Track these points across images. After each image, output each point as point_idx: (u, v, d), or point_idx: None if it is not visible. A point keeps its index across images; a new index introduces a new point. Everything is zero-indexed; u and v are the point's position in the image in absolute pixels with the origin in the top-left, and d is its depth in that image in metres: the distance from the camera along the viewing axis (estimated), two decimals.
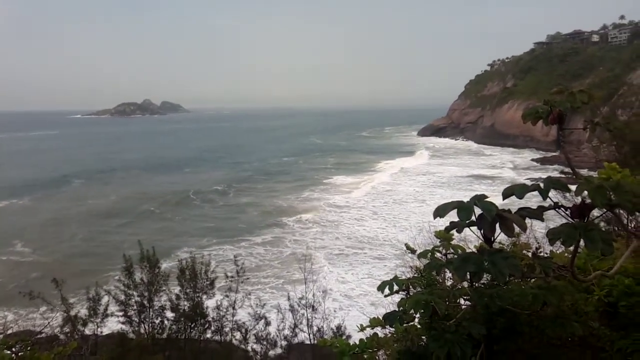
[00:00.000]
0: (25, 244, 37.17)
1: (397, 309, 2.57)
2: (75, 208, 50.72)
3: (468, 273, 1.94)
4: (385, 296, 3.04)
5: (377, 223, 42.84)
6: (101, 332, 12.59)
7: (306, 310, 13.06)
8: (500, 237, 1.95)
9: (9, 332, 11.31)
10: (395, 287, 2.99)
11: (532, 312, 2.23)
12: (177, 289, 14.35)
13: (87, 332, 12.24)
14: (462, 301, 2.56)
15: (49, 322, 11.03)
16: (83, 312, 12.51)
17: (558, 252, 3.17)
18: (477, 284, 2.24)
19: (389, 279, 3.07)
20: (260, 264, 32.71)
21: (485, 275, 2.06)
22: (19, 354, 5.97)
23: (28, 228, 42.00)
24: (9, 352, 5.97)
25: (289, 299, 13.55)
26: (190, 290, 13.96)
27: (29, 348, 6.35)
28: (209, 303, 14.05)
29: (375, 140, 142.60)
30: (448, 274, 3.52)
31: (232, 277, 14.24)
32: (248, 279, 15.68)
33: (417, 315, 2.50)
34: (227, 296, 13.98)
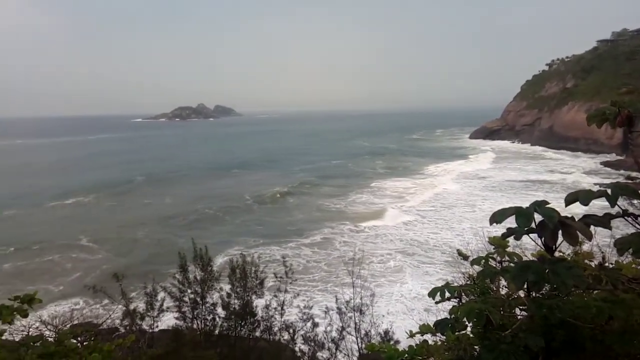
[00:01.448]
0: (90, 239, 39.59)
1: (448, 316, 2.51)
2: (138, 208, 53.49)
3: (525, 282, 1.85)
4: (436, 303, 2.97)
5: (428, 227, 41.97)
6: (157, 327, 13.15)
7: (354, 314, 12.99)
8: (561, 245, 1.85)
9: (75, 322, 12.11)
10: (447, 294, 2.92)
11: (595, 326, 2.10)
12: (228, 287, 14.74)
13: (144, 326, 12.83)
14: (518, 311, 2.46)
15: (110, 315, 11.71)
16: (141, 306, 13.12)
17: (624, 262, 2.96)
18: (534, 294, 2.14)
19: (440, 285, 3.00)
20: (308, 265, 32.95)
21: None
22: (84, 343, 6.37)
23: (93, 225, 44.74)
24: (74, 340, 6.38)
25: (336, 301, 13.53)
26: (240, 289, 14.30)
27: (92, 338, 6.76)
28: (259, 302, 14.32)
29: (426, 143, 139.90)
30: (503, 283, 3.39)
31: (280, 277, 14.43)
32: (296, 280, 15.83)
33: (470, 324, 2.42)
34: (275, 296, 14.19)
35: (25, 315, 6.77)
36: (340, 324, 13.19)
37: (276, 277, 14.49)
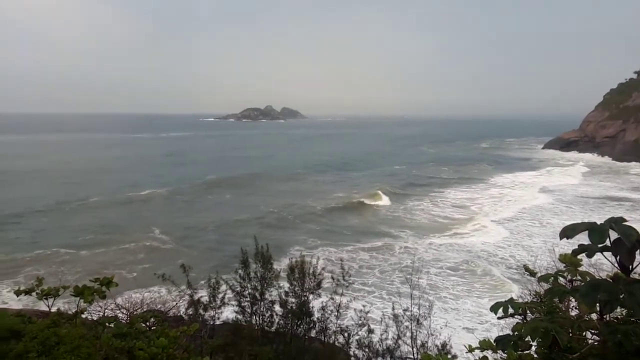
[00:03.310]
0: (162, 230, 42.07)
1: (511, 333, 2.41)
2: (214, 205, 56.10)
3: (598, 303, 1.75)
4: (499, 318, 2.87)
5: (493, 239, 40.18)
6: (218, 319, 13.70)
7: (410, 323, 12.74)
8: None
9: (145, 307, 12.94)
10: (511, 310, 2.80)
11: None
12: (286, 286, 15.04)
13: (207, 317, 13.42)
14: (588, 335, 2.32)
15: (176, 304, 12.39)
16: (205, 298, 13.74)
17: None
18: (608, 317, 2.00)
19: (503, 300, 2.89)
20: (366, 271, 32.74)
21: (619, 309, 1.84)
22: (152, 327, 6.80)
23: (166, 217, 47.52)
24: (144, 324, 6.83)
25: (393, 308, 13.34)
26: (298, 289, 14.53)
27: (160, 324, 7.19)
28: (315, 303, 14.46)
29: (494, 152, 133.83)
30: (573, 304, 3.19)
31: (338, 280, 14.49)
32: (353, 283, 15.82)
33: (534, 344, 2.31)
34: (332, 298, 14.26)
35: (104, 297, 7.36)
36: (397, 332, 12.99)
37: (334, 279, 14.56)
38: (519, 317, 2.89)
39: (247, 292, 14.60)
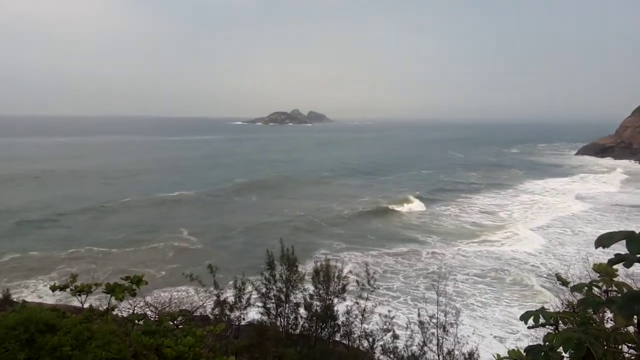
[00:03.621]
0: (190, 231, 42.87)
1: (542, 344, 2.35)
2: (239, 208, 56.90)
3: (636, 316, 1.68)
4: (529, 328, 2.80)
5: (523, 246, 39.16)
6: (243, 319, 13.85)
7: (437, 330, 12.54)
8: None
9: (172, 306, 13.19)
10: (542, 320, 2.73)
11: None
12: (311, 289, 15.07)
13: (232, 317, 13.58)
14: (625, 348, 2.23)
15: (203, 303, 12.59)
16: (230, 298, 13.91)
17: None
18: None
19: (534, 309, 2.81)
20: (390, 276, 32.45)
21: None
22: (179, 326, 6.91)
23: (194, 218, 48.40)
24: (172, 323, 6.95)
25: (418, 315, 13.16)
26: (323, 292, 14.54)
27: (187, 323, 7.31)
28: (340, 307, 14.43)
29: (525, 157, 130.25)
30: (608, 315, 3.07)
31: (363, 285, 14.42)
32: (378, 288, 15.71)
33: (566, 355, 2.24)
34: (357, 303, 14.20)
35: (134, 295, 7.54)
36: (422, 339, 12.81)
37: (359, 284, 14.50)
38: (551, 327, 2.80)
39: (272, 293, 14.71)
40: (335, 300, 14.44)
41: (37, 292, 27.74)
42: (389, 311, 14.33)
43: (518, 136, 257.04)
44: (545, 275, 31.91)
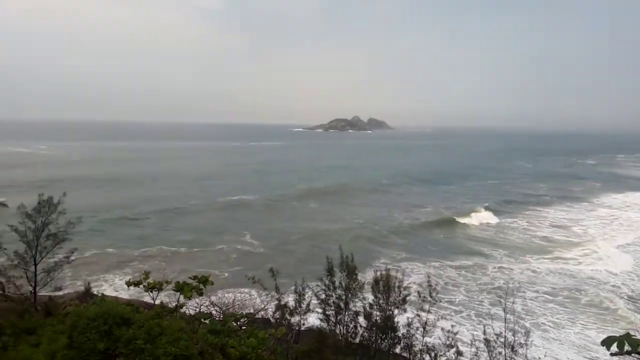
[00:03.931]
0: (252, 235, 44.11)
1: None
2: (299, 214, 57.87)
3: None
4: (612, 354, 2.58)
5: (603, 265, 36.31)
6: (303, 325, 13.96)
7: (504, 349, 11.88)
8: None
9: (235, 307, 13.59)
10: (627, 347, 2.51)
11: None
12: (370, 298, 14.90)
13: (292, 321, 13.74)
14: None
15: (264, 306, 12.86)
16: (291, 303, 14.09)
17: None
18: None
19: (618, 335, 2.59)
20: (452, 289, 31.34)
21: None
22: (242, 327, 7.09)
23: (256, 223, 49.77)
24: (235, 324, 7.15)
25: (484, 332, 12.55)
26: (383, 302, 14.32)
27: (249, 324, 7.48)
28: (400, 319, 14.13)
29: (602, 169, 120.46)
30: None
31: (424, 297, 14.03)
32: (440, 301, 15.22)
33: None
34: (418, 315, 13.83)
35: (201, 294, 7.84)
36: (488, 358, 12.20)
37: (420, 295, 14.12)
38: (638, 355, 2.57)
39: (331, 300, 14.71)
40: (396, 311, 14.16)
41: (114, 286, 29.80)
42: (452, 326, 13.79)
43: (593, 146, 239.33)
44: (627, 297, 29.34)
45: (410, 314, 14.29)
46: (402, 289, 14.57)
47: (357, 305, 14.62)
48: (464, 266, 36.17)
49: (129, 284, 8.52)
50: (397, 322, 13.99)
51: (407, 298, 14.28)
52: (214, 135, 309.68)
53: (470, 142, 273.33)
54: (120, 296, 24.37)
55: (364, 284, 15.28)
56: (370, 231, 47.36)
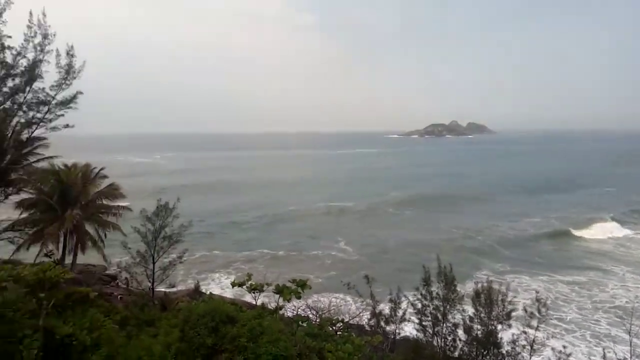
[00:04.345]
0: (347, 242, 44.50)
1: None
2: (394, 221, 57.32)
3: None
4: None
5: None
6: (399, 334, 13.70)
7: None
8: None
9: (331, 312, 13.77)
10: None
11: None
12: (470, 311, 14.14)
13: (387, 330, 13.54)
14: None
15: (359, 312, 12.86)
16: (386, 311, 13.92)
17: None
18: None
19: None
20: (562, 304, 28.57)
21: None
22: (338, 332, 7.16)
23: (350, 230, 50.14)
24: (331, 328, 7.23)
25: (604, 356, 11.22)
26: (484, 316, 13.51)
27: (345, 330, 7.53)
28: (504, 335, 13.20)
29: None
30: None
31: (532, 313, 12.95)
32: (550, 318, 13.95)
33: None
34: (525, 332, 12.80)
35: (299, 297, 8.10)
36: None
37: (526, 311, 13.08)
38: None
39: (428, 311, 14.23)
40: (499, 326, 13.25)
41: (220, 285, 32.07)
42: (564, 346, 12.53)
43: None
44: None
45: (515, 330, 13.28)
46: (506, 303, 13.62)
47: (456, 317, 13.94)
48: (577, 282, 32.82)
49: (234, 284, 9.08)
50: (501, 338, 13.07)
51: (513, 313, 13.30)
52: (314, 144, 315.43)
53: (586, 146, 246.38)
54: (224, 295, 26.14)
55: (463, 295, 14.55)
56: (472, 241, 45.12)
